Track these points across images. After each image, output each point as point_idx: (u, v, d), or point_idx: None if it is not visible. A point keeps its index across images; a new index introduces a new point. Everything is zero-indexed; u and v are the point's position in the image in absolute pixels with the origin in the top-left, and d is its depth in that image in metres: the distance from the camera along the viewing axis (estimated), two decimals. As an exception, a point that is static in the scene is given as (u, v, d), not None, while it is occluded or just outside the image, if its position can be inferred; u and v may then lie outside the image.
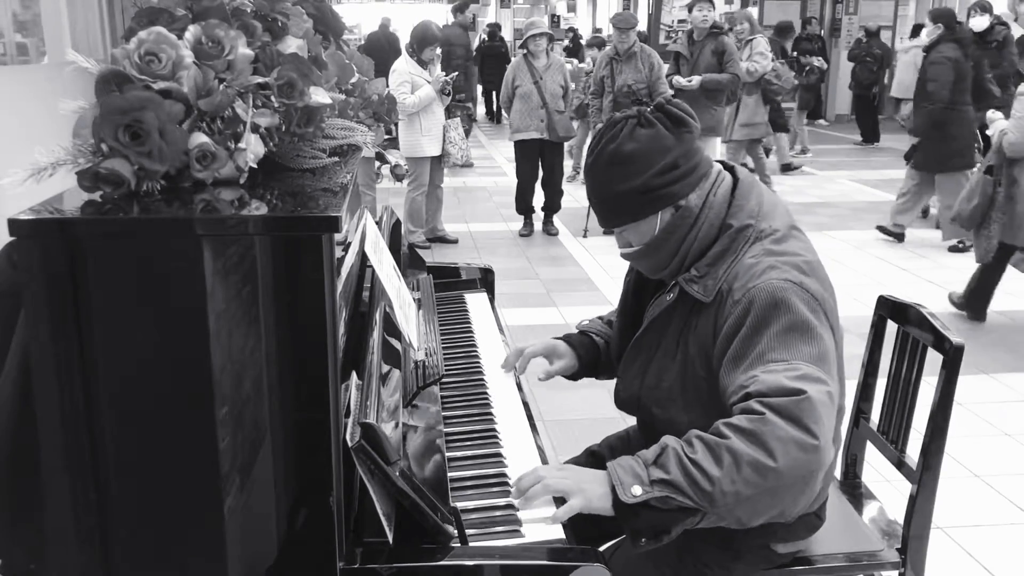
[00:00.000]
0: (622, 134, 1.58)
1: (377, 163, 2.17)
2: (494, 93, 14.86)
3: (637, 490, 1.42)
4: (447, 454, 1.66)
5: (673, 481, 1.41)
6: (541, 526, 1.46)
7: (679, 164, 1.58)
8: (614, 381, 1.86)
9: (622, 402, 1.80)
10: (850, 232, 7.23)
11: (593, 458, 2.01)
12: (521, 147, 7.13)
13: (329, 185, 1.41)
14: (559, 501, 1.48)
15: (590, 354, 1.95)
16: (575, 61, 10.33)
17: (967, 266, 6.20)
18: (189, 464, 1.20)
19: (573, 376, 1.98)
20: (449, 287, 2.62)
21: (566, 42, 15.60)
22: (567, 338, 2.00)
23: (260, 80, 1.35)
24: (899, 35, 15.78)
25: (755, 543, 1.75)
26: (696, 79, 6.72)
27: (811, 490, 1.53)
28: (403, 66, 6.44)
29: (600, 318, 2.05)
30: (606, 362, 1.97)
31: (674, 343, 1.65)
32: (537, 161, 7.13)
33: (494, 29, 15.69)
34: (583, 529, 1.57)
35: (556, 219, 7.40)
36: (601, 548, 1.80)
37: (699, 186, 1.61)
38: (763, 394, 1.42)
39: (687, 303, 1.63)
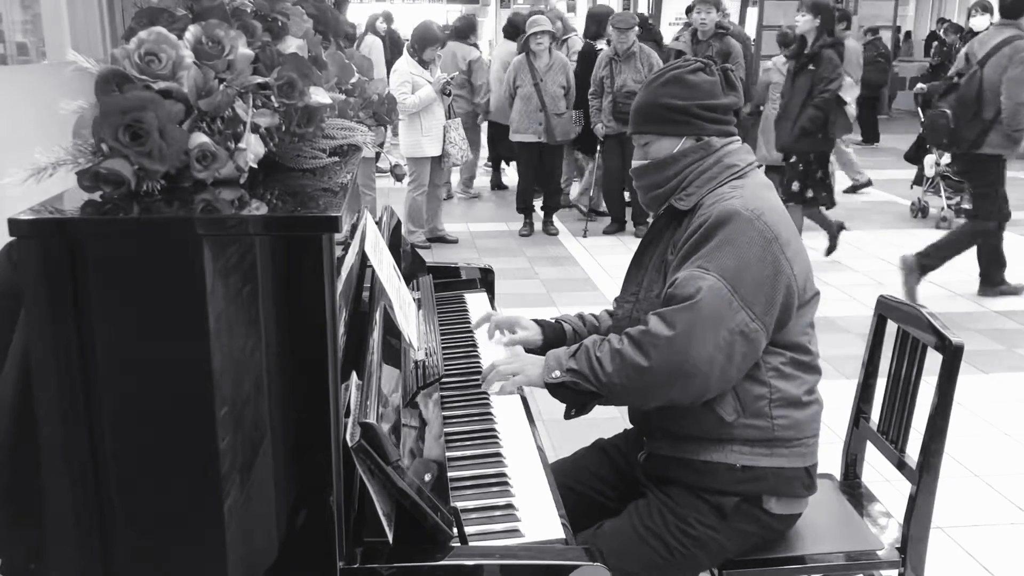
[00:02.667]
0: (689, 68, 1.85)
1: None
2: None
3: (556, 373, 1.78)
4: (447, 454, 1.66)
5: (580, 371, 1.75)
6: (541, 526, 1.46)
7: (717, 111, 1.84)
8: None
9: (618, 323, 1.94)
10: (850, 232, 7.23)
11: (601, 452, 2.06)
12: (520, 147, 7.12)
13: (329, 185, 1.41)
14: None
15: (556, 335, 2.12)
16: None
17: (967, 266, 6.21)
18: (189, 464, 1.20)
19: (538, 352, 2.07)
20: (449, 287, 2.62)
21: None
22: (537, 320, 2.18)
23: (260, 80, 1.35)
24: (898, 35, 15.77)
25: (744, 498, 1.78)
26: None
27: (695, 382, 1.68)
28: (404, 66, 6.44)
29: (580, 316, 2.18)
30: (574, 340, 2.10)
31: (661, 258, 1.87)
32: (536, 162, 7.12)
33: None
34: (582, 523, 1.69)
35: (556, 219, 7.40)
36: (595, 527, 1.85)
37: (723, 136, 1.85)
38: (670, 297, 1.71)
39: (673, 221, 1.86)
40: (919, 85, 8.31)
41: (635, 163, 1.91)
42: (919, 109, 8.18)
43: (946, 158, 7.36)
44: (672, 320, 1.67)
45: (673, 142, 1.84)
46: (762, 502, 1.80)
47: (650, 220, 2.05)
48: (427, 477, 1.49)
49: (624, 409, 1.95)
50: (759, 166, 1.90)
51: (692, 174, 1.82)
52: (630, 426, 2.04)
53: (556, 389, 1.79)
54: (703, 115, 1.81)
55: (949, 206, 7.41)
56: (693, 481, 1.80)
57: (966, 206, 7.44)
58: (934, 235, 7.04)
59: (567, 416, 1.85)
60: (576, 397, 1.78)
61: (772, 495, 1.80)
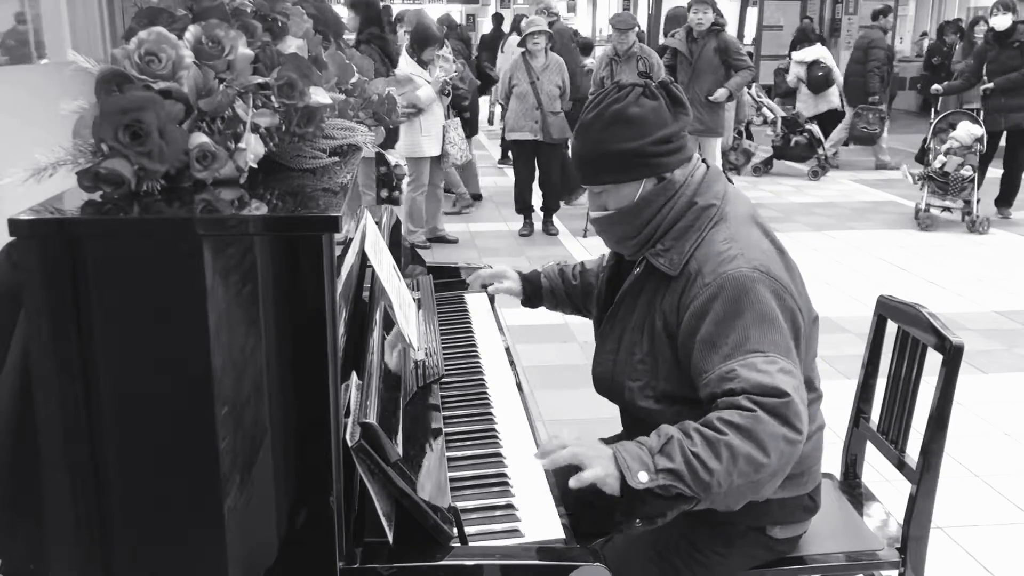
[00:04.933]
0: (627, 98, 1.64)
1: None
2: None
3: (644, 476, 1.47)
4: (447, 454, 1.66)
5: (677, 471, 1.47)
6: (541, 526, 1.46)
7: (672, 140, 1.65)
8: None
9: (598, 378, 1.84)
10: (850, 232, 7.23)
11: None
12: (516, 147, 7.13)
13: (329, 185, 1.41)
14: (575, 469, 1.52)
15: (532, 286, 2.18)
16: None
17: (968, 266, 6.21)
18: (189, 464, 1.20)
19: (524, 303, 2.22)
20: (449, 287, 2.62)
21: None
22: (521, 272, 2.23)
23: (260, 80, 1.35)
24: (899, 35, 15.79)
25: (750, 527, 1.77)
26: (722, 91, 6.75)
27: (783, 474, 1.58)
28: (403, 66, 6.44)
29: (559, 265, 2.20)
30: (550, 296, 2.18)
31: (642, 317, 1.72)
32: (533, 161, 7.12)
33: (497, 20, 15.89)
34: (583, 526, 1.63)
35: (556, 219, 7.39)
36: (593, 536, 1.82)
37: (683, 166, 1.68)
38: (748, 392, 1.50)
39: (654, 278, 1.70)
40: (935, 86, 8.23)
41: (594, 214, 1.74)
42: (933, 111, 8.10)
43: (940, 160, 7.32)
44: (783, 414, 1.49)
45: (633, 188, 1.66)
46: (766, 530, 1.78)
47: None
48: (432, 480, 1.49)
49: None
50: None
51: (664, 222, 1.67)
52: (622, 429, 2.02)
53: (643, 495, 1.50)
54: (659, 151, 1.64)
55: (930, 205, 7.38)
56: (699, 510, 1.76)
57: (950, 204, 7.36)
58: (935, 235, 7.07)
59: (631, 527, 1.59)
60: (664, 505, 1.53)
61: (776, 524, 1.78)
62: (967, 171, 7.18)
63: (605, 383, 1.81)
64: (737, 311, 1.56)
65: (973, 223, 7.18)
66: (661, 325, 1.67)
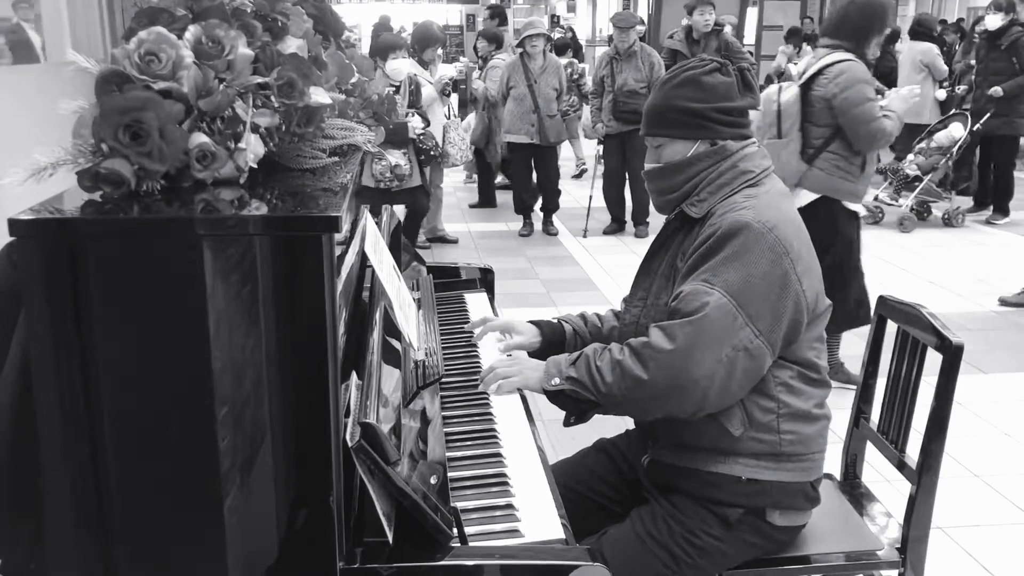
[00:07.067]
0: (704, 69, 1.82)
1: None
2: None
3: (556, 381, 1.77)
4: (447, 454, 1.66)
5: (579, 379, 1.74)
6: (541, 526, 1.46)
7: (733, 114, 1.81)
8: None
9: (623, 329, 1.91)
10: (850, 232, 7.22)
11: (602, 453, 2.05)
12: (513, 148, 7.13)
13: (329, 185, 1.41)
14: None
15: (556, 335, 2.06)
16: (575, 62, 10.28)
17: (967, 266, 6.21)
18: (189, 464, 1.20)
19: (538, 355, 1.99)
20: (449, 287, 2.62)
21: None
22: (535, 320, 2.11)
23: (260, 80, 1.35)
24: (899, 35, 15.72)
25: (749, 509, 1.78)
26: None
27: (693, 398, 1.66)
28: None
29: (583, 315, 2.12)
30: (574, 347, 2.02)
31: (669, 264, 1.84)
32: (530, 163, 7.12)
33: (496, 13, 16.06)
34: (583, 524, 1.68)
35: (556, 219, 7.40)
36: (596, 534, 1.84)
37: (738, 140, 1.82)
38: (673, 311, 1.69)
39: (684, 227, 1.83)
40: (959, 88, 8.18)
41: (648, 166, 1.88)
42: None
43: (908, 158, 7.30)
44: (673, 334, 1.65)
45: (687, 145, 1.80)
46: (766, 515, 1.79)
47: (649, 220, 2.05)
48: (432, 480, 1.49)
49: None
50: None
51: (705, 180, 1.78)
52: (632, 426, 2.03)
53: (555, 396, 1.78)
54: (718, 118, 1.78)
55: (881, 200, 7.39)
56: (697, 491, 1.78)
57: (889, 201, 7.33)
58: (935, 235, 7.06)
59: (567, 423, 1.83)
60: (575, 405, 1.77)
61: (776, 508, 1.79)
62: (912, 170, 7.15)
63: (629, 332, 1.85)
64: (719, 248, 1.68)
65: (901, 221, 7.18)
66: (681, 266, 1.77)
